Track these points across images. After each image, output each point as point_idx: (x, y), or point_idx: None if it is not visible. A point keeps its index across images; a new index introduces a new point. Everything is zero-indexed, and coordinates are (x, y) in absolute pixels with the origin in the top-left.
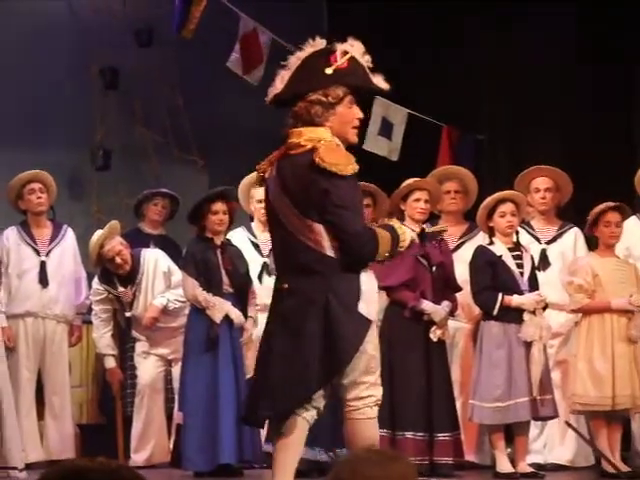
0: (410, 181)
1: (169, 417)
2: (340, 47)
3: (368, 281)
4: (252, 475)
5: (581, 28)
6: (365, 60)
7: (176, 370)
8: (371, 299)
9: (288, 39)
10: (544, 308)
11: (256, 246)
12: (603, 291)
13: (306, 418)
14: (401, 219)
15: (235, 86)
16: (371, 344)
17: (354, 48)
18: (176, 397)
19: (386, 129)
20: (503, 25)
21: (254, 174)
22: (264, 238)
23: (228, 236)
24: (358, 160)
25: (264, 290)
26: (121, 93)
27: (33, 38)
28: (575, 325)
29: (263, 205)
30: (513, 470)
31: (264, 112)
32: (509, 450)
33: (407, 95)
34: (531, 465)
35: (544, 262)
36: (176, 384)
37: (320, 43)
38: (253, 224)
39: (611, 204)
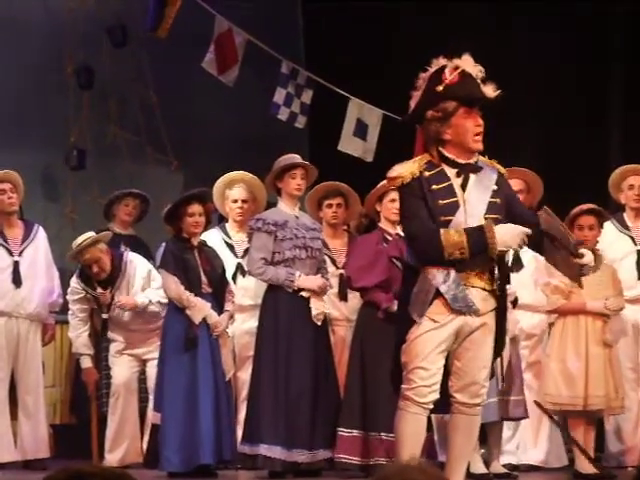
0: (385, 182)
1: (142, 417)
2: (450, 63)
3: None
4: (226, 476)
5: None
6: (477, 70)
7: (150, 370)
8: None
9: (263, 39)
10: (513, 303)
11: (230, 247)
12: (579, 292)
13: None
14: (377, 220)
15: (210, 86)
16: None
17: (464, 62)
18: (150, 397)
19: (361, 130)
20: (483, 27)
21: (229, 174)
22: (238, 239)
23: (202, 237)
24: (332, 161)
25: (239, 290)
26: (95, 93)
27: (6, 38)
28: (549, 326)
29: (239, 205)
30: (486, 471)
31: (239, 113)
32: (482, 451)
33: (382, 96)
34: (504, 466)
35: (517, 264)
36: (150, 384)
37: (440, 62)
38: (227, 225)
39: (585, 207)
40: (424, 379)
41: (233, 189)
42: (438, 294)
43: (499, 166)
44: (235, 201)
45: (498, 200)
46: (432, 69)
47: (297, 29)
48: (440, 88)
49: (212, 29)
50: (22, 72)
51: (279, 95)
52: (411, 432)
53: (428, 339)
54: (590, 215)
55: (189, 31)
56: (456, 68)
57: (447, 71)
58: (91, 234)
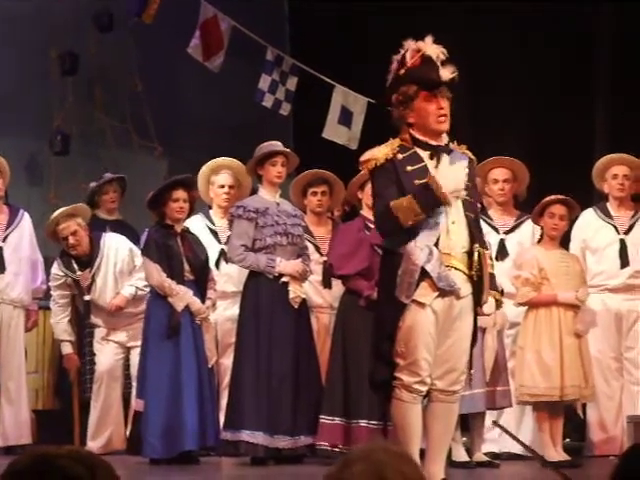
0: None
1: (126, 404)
2: (412, 46)
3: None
4: (209, 462)
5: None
6: (439, 52)
7: (134, 357)
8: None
9: (248, 26)
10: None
11: (214, 233)
12: (549, 284)
13: None
14: (358, 208)
15: (195, 73)
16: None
17: (426, 44)
18: (134, 384)
19: (346, 117)
20: (470, 12)
21: (216, 160)
22: (222, 225)
23: (185, 223)
24: (316, 148)
25: (222, 277)
26: (80, 78)
27: None
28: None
29: (225, 191)
30: (469, 459)
31: (224, 99)
32: (465, 439)
33: (367, 83)
34: (486, 454)
35: (502, 252)
36: (134, 371)
37: (409, 44)
38: (211, 211)
39: (558, 197)
40: (426, 370)
41: (220, 175)
42: (422, 275)
43: (469, 152)
44: (222, 187)
45: (470, 183)
46: (401, 52)
47: (282, 16)
48: (402, 71)
49: (198, 15)
50: (6, 57)
51: (264, 82)
52: (415, 421)
53: (423, 327)
54: (562, 205)
55: (175, 17)
56: (418, 51)
57: (408, 54)
58: (63, 208)
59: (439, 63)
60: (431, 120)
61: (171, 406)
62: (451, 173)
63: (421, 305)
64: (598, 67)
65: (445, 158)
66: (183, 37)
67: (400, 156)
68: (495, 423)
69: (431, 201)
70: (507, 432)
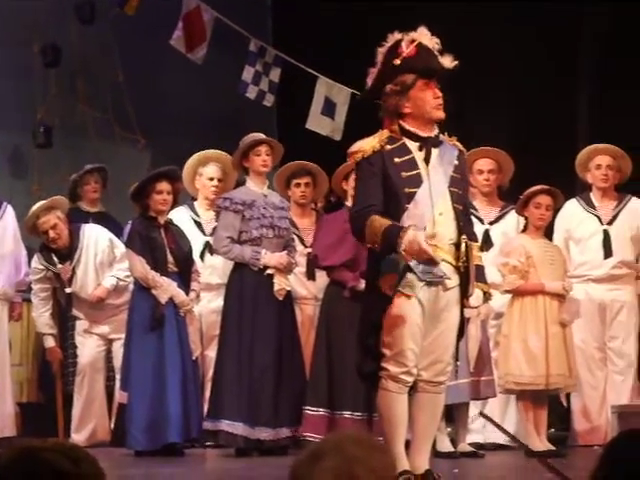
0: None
1: (109, 396)
2: (406, 37)
3: None
4: (194, 454)
5: None
6: (433, 42)
7: (116, 349)
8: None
9: (231, 17)
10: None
11: (198, 225)
12: (536, 272)
13: None
14: (343, 199)
15: (178, 64)
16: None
17: (420, 34)
18: (117, 376)
19: (329, 108)
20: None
21: (205, 152)
22: (207, 217)
23: (169, 215)
24: (300, 139)
25: (207, 269)
26: (63, 71)
27: None
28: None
29: (214, 183)
30: (453, 449)
31: (207, 91)
32: (449, 430)
33: (351, 74)
34: (471, 444)
35: (487, 243)
36: (116, 363)
37: (396, 37)
38: (196, 203)
39: (544, 187)
40: (413, 360)
41: (208, 167)
42: (407, 268)
43: (459, 144)
44: (211, 179)
45: (459, 175)
46: (388, 44)
47: (265, 7)
48: (398, 61)
49: (180, 7)
50: None
51: (247, 73)
52: (402, 412)
53: (409, 318)
54: (548, 195)
55: (157, 8)
56: (412, 41)
57: (404, 44)
58: (43, 202)
59: (436, 52)
60: (428, 108)
61: (155, 398)
62: (440, 173)
63: (407, 296)
64: (584, 49)
65: (434, 152)
66: (166, 29)
67: (388, 147)
68: (482, 414)
69: (390, 246)
70: (493, 422)
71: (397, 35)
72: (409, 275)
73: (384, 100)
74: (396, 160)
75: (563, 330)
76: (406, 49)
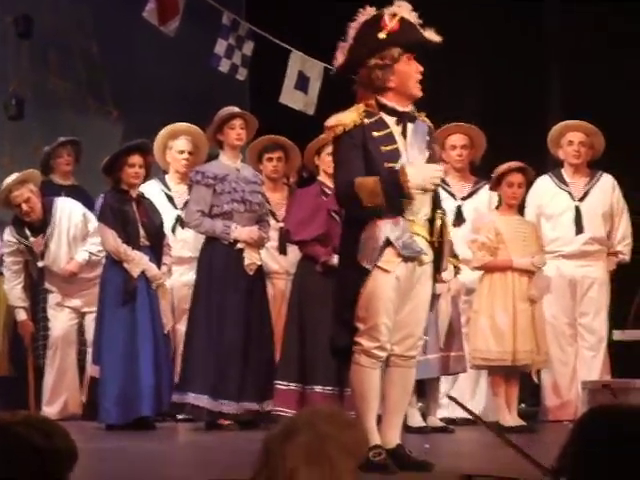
0: (324, 135)
1: (81, 369)
2: (388, 10)
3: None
4: (165, 427)
5: None
6: (414, 17)
7: (88, 322)
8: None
9: None
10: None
11: (170, 198)
12: (506, 249)
13: None
14: (315, 174)
15: (151, 37)
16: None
17: (402, 8)
18: (89, 350)
19: (302, 83)
20: None
21: (174, 125)
22: (178, 190)
23: (140, 188)
24: (273, 113)
25: (178, 242)
26: (35, 42)
27: None
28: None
29: (185, 157)
30: (424, 424)
31: (180, 64)
32: (420, 404)
33: (324, 49)
34: (442, 419)
35: (459, 218)
36: (88, 336)
37: (370, 11)
38: (167, 176)
39: (515, 165)
40: (386, 335)
41: (179, 140)
42: (387, 242)
43: (427, 120)
44: (181, 152)
45: (431, 151)
46: (362, 18)
47: None
48: (383, 35)
49: None
50: None
51: (220, 47)
52: (374, 386)
53: (384, 293)
54: (520, 173)
55: None
56: (394, 15)
57: (386, 18)
58: (15, 175)
59: (418, 27)
60: (411, 83)
61: (127, 372)
62: (424, 169)
63: (385, 272)
64: (551, 27)
65: (410, 127)
66: (138, 1)
67: (367, 121)
68: (450, 397)
69: (396, 190)
70: (460, 405)
71: (370, 9)
72: (388, 250)
73: (364, 74)
74: (375, 134)
75: (532, 307)
76: (390, 23)
